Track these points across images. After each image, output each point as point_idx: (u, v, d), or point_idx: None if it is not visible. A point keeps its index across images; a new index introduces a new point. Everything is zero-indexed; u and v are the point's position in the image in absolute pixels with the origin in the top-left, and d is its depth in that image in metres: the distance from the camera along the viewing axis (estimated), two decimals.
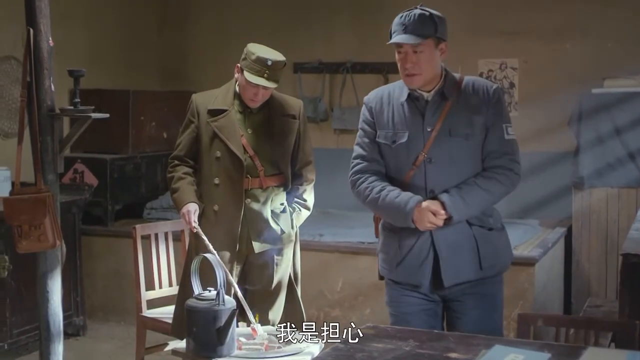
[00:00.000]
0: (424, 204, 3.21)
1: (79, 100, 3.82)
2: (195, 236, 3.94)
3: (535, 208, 6.22)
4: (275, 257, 4.05)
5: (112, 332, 5.96)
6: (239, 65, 3.94)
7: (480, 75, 6.36)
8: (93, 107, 3.86)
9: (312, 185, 4.16)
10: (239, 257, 3.99)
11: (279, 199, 4.06)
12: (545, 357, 2.56)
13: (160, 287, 4.65)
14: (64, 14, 6.00)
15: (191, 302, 3.17)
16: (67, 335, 5.11)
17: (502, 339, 2.91)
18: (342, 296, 5.61)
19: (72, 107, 3.83)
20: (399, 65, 3.33)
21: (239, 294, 3.64)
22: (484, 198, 3.25)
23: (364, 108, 3.49)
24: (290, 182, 4.07)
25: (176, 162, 4.07)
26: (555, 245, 5.67)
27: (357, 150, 3.42)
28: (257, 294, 4.04)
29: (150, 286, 4.61)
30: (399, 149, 3.31)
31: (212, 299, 3.12)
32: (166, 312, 4.44)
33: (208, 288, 3.20)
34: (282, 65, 3.90)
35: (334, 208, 6.74)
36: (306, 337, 3.32)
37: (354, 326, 2.87)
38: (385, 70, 6.80)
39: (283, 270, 4.09)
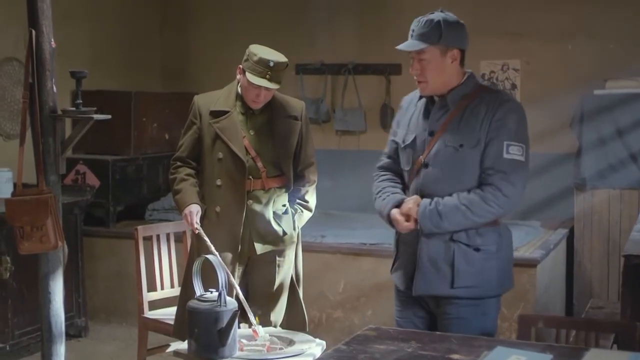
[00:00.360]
0: (393, 210, 3.27)
1: (81, 101, 3.82)
2: (197, 237, 3.94)
3: (537, 209, 6.22)
4: (277, 258, 4.05)
5: (114, 334, 5.96)
6: (241, 66, 3.94)
7: (482, 76, 6.36)
8: (95, 108, 3.86)
9: (314, 186, 4.16)
10: (240, 259, 3.99)
11: (281, 200, 4.06)
12: (547, 358, 2.56)
13: (162, 288, 4.65)
14: (66, 15, 6.01)
15: (193, 303, 3.16)
16: (68, 336, 5.11)
17: (504, 341, 2.91)
18: (344, 297, 5.61)
19: (74, 109, 3.83)
20: None
21: (241, 296, 3.63)
22: (462, 214, 3.15)
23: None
24: (293, 183, 4.07)
25: (178, 163, 4.07)
26: (557, 247, 5.67)
27: (387, 146, 3.52)
28: (259, 295, 4.03)
29: (152, 287, 4.61)
30: (406, 149, 3.35)
31: (214, 301, 3.11)
32: (168, 314, 4.45)
33: (210, 289, 3.20)
34: (285, 67, 3.90)
35: (336, 209, 6.74)
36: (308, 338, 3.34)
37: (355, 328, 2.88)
38: (388, 72, 6.81)
39: (285, 272, 4.09)
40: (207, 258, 3.32)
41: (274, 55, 3.87)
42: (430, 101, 3.33)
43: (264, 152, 3.99)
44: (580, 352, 2.64)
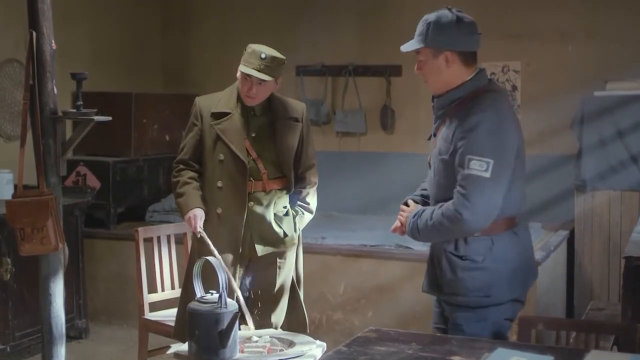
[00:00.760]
0: (402, 206, 3.33)
1: (82, 103, 3.82)
2: (198, 239, 3.94)
3: (537, 211, 6.21)
4: (278, 260, 4.05)
5: (115, 335, 5.96)
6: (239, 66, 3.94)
7: None
8: (95, 109, 3.86)
9: (315, 188, 4.15)
10: (241, 260, 3.99)
11: (282, 202, 4.06)
12: None
13: (163, 290, 4.64)
14: (66, 16, 6.00)
15: (193, 305, 3.16)
16: (69, 338, 5.12)
17: (505, 342, 2.91)
18: (345, 299, 5.61)
19: (74, 110, 3.83)
20: None
21: (241, 299, 3.63)
22: (436, 230, 3.08)
23: None
24: (293, 185, 4.07)
25: (181, 166, 4.06)
26: (557, 248, 5.66)
27: None
28: (260, 297, 4.03)
29: (152, 289, 4.61)
30: (429, 147, 3.33)
31: (215, 302, 3.11)
32: (168, 315, 4.44)
33: (210, 291, 3.20)
34: (279, 63, 3.88)
35: (336, 211, 6.74)
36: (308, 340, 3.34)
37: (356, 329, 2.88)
38: (388, 73, 6.82)
39: (285, 274, 4.09)
40: (207, 260, 3.32)
41: (268, 50, 3.86)
42: None
43: (265, 153, 3.99)
44: (580, 354, 2.64)
